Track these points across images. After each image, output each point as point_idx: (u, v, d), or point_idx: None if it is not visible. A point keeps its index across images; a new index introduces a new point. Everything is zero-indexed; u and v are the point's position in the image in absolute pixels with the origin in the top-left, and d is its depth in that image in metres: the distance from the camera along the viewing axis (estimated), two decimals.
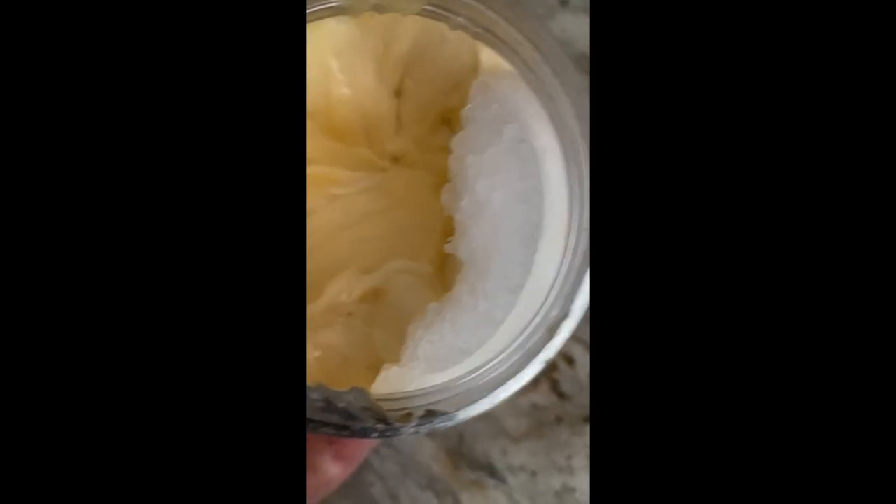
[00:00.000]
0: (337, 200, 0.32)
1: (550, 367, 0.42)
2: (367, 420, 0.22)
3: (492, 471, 0.42)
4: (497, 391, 0.22)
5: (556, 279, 0.25)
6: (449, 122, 0.32)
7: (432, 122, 0.32)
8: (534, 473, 0.42)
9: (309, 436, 0.36)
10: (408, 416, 0.22)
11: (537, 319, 0.24)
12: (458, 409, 0.22)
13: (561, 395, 0.42)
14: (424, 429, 0.22)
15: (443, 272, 0.31)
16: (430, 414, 0.22)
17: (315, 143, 0.31)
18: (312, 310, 0.29)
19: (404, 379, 0.25)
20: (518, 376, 0.22)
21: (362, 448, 0.37)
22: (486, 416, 0.43)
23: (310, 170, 0.31)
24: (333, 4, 0.27)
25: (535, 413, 0.42)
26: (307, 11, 0.26)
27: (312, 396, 0.21)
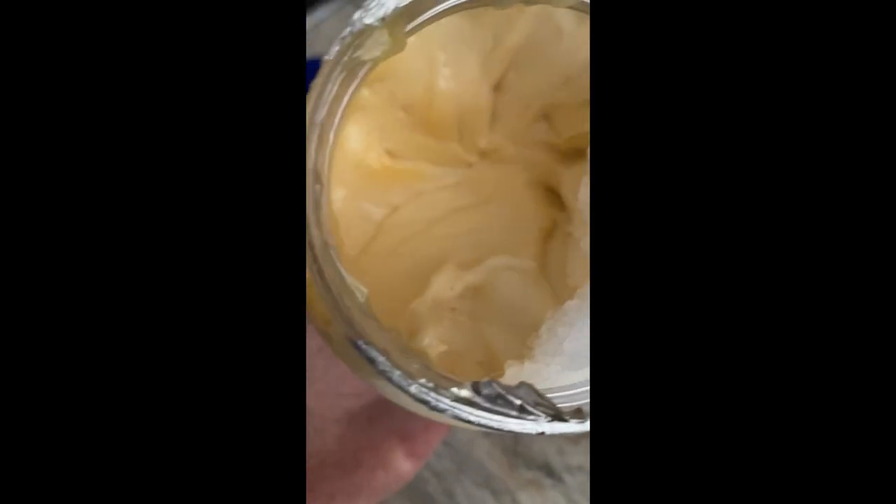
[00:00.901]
0: (422, 196, 0.31)
1: None
2: (540, 415, 0.21)
3: (549, 470, 0.41)
4: None
5: None
6: (549, 117, 0.32)
7: (532, 116, 0.31)
8: None
9: (379, 433, 0.35)
10: (579, 412, 0.21)
11: None
12: None
13: None
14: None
15: (546, 269, 0.30)
16: None
17: (404, 137, 0.31)
18: (419, 305, 0.29)
19: (538, 375, 0.24)
20: None
21: (432, 444, 0.36)
22: None
23: (396, 164, 0.31)
24: None
25: None
26: (455, 4, 0.25)
27: (484, 391, 0.20)
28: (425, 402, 0.21)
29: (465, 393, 0.20)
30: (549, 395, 0.24)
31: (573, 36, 0.29)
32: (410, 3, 0.22)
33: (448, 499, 0.41)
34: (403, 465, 0.35)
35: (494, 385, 0.20)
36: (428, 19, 0.23)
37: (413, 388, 0.21)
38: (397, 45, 0.23)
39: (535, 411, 0.20)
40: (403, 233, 0.31)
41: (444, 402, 0.21)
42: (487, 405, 0.20)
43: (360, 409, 0.35)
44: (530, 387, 0.21)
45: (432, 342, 0.27)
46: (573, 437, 0.41)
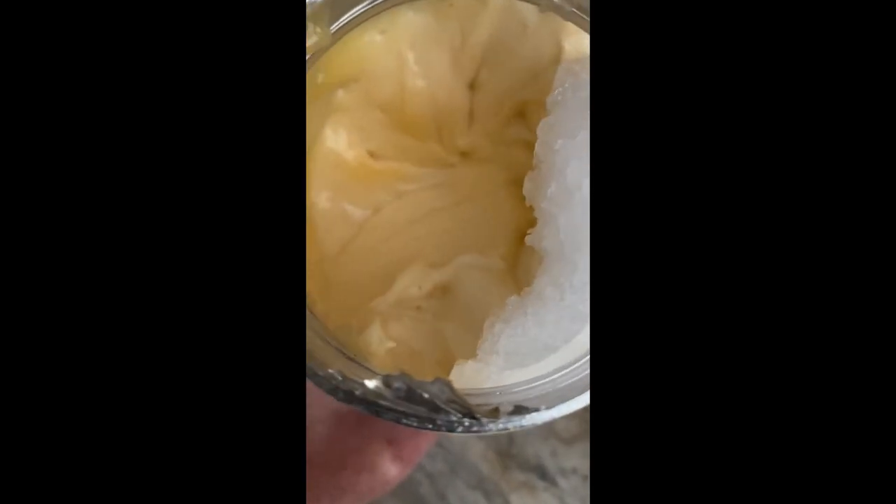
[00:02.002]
0: (404, 196, 0.30)
1: None
2: (452, 413, 0.20)
3: (542, 473, 0.40)
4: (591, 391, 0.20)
5: None
6: (524, 115, 0.31)
7: (507, 115, 0.30)
8: (585, 477, 0.40)
9: (367, 436, 0.34)
10: (495, 412, 0.20)
11: None
12: (551, 407, 0.20)
13: None
14: (512, 425, 0.20)
15: (516, 268, 0.29)
16: (520, 410, 0.20)
17: (385, 138, 0.30)
18: (381, 302, 0.28)
19: (481, 375, 0.24)
20: None
21: (420, 449, 0.35)
22: None
23: (378, 165, 0.30)
24: None
25: (586, 415, 0.40)
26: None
27: (395, 385, 0.19)
28: (333, 392, 0.20)
29: (373, 385, 0.20)
30: (491, 395, 0.23)
31: (537, 30, 0.28)
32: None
33: (441, 500, 0.40)
34: (390, 470, 0.34)
35: (405, 379, 0.19)
36: (352, 19, 0.23)
37: (321, 376, 0.20)
38: (323, 39, 0.22)
39: (446, 408, 0.19)
40: (384, 232, 0.30)
41: (355, 394, 0.20)
42: (397, 399, 0.20)
43: (348, 410, 0.35)
44: (445, 383, 0.20)
45: (381, 338, 0.26)
46: (567, 440, 0.40)
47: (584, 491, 0.40)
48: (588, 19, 0.25)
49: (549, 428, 0.40)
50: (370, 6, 0.26)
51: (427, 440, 0.35)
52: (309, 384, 0.34)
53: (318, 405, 0.35)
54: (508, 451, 0.40)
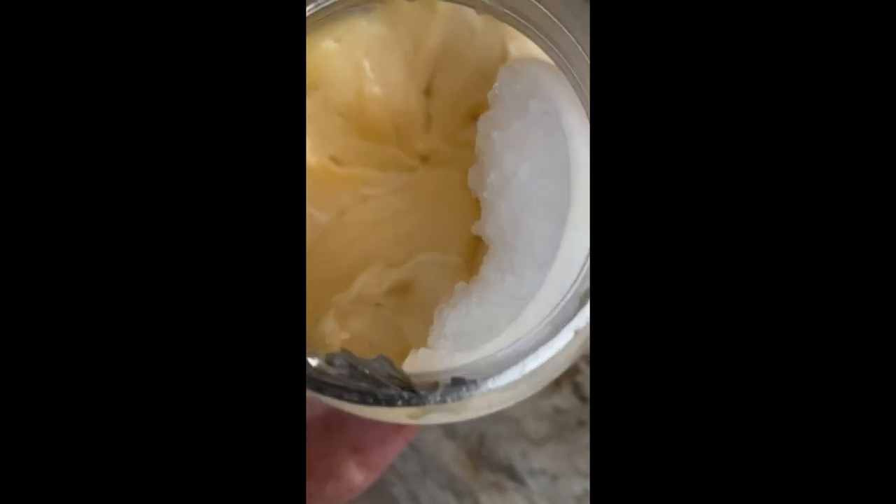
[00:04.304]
0: (368, 200, 0.31)
1: (573, 371, 0.40)
2: (392, 388, 0.20)
3: (512, 473, 0.40)
4: (526, 360, 0.20)
5: (587, 256, 0.23)
6: (476, 117, 0.31)
7: (462, 118, 0.31)
8: (554, 477, 0.40)
9: (333, 444, 0.35)
10: (434, 385, 0.20)
11: (569, 296, 0.22)
12: (487, 378, 0.20)
13: (583, 399, 0.40)
14: (451, 397, 0.20)
15: (473, 263, 0.30)
16: (457, 382, 0.20)
17: (347, 143, 0.30)
18: (342, 298, 0.28)
19: (432, 360, 0.24)
20: (548, 344, 0.20)
21: (387, 456, 0.36)
22: (507, 419, 0.41)
23: (341, 170, 0.30)
24: None
25: (556, 416, 0.40)
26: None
27: (336, 363, 0.20)
28: None
29: (316, 363, 0.20)
30: (440, 376, 0.23)
31: (485, 34, 0.29)
32: None
33: (412, 501, 0.40)
34: (355, 477, 0.35)
35: (347, 357, 0.20)
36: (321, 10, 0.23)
37: None
38: None
39: (386, 383, 0.20)
40: (349, 235, 0.31)
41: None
42: (339, 376, 0.20)
43: (314, 418, 0.35)
44: (385, 359, 0.20)
45: (335, 329, 0.26)
46: (536, 441, 0.40)
47: (553, 491, 0.40)
48: (525, 20, 0.25)
49: (518, 429, 0.40)
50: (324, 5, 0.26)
51: (395, 448, 0.36)
52: None
53: None
54: (479, 452, 0.40)
